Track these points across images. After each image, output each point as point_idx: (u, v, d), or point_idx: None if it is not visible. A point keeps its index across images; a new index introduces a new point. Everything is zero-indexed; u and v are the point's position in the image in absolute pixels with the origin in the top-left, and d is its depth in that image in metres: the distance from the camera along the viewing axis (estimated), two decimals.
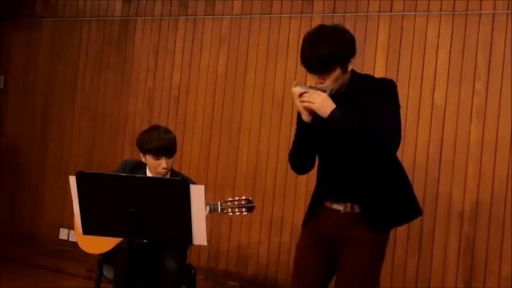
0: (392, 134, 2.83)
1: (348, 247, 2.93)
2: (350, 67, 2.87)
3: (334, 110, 2.78)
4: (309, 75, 2.88)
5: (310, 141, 2.94)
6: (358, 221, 2.92)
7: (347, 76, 2.90)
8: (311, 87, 2.84)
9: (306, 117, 2.87)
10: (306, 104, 2.82)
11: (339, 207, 2.95)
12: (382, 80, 3.02)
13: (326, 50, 2.77)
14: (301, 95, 2.82)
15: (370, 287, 2.98)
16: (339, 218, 2.95)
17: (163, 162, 3.84)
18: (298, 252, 3.10)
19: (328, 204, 2.99)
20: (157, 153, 3.84)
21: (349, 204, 2.94)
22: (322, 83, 2.83)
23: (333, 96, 2.82)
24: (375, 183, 2.91)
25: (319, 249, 3.00)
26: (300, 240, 3.11)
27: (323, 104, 2.79)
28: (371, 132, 2.79)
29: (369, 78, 3.01)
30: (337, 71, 2.82)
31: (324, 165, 3.03)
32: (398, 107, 2.90)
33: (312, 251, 3.02)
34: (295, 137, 3.03)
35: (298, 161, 3.04)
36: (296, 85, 2.86)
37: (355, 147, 2.84)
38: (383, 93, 2.90)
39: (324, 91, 2.81)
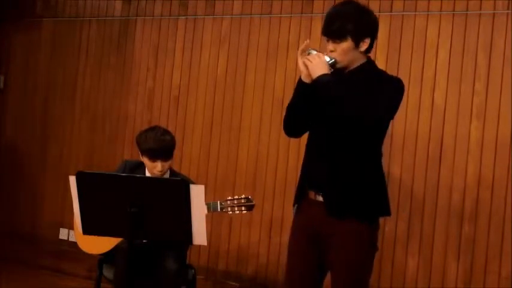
0: (367, 113, 2.79)
1: (334, 246, 2.92)
2: (363, 47, 2.91)
3: (324, 74, 2.81)
4: (323, 45, 2.91)
5: (305, 100, 2.93)
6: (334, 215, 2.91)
7: (358, 56, 2.93)
8: (320, 52, 2.90)
9: (304, 76, 2.91)
10: (305, 61, 2.86)
11: (320, 198, 2.95)
12: (390, 76, 3.04)
13: (345, 13, 2.88)
14: (309, 51, 2.89)
15: (362, 283, 2.97)
16: (321, 210, 2.93)
17: (158, 165, 3.83)
18: (291, 247, 3.08)
19: (311, 195, 2.98)
20: (153, 156, 3.83)
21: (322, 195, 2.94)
22: (332, 51, 2.89)
23: (338, 71, 2.87)
24: (348, 174, 2.89)
25: (310, 244, 2.99)
26: (291, 237, 3.09)
27: (317, 66, 2.83)
28: (346, 105, 2.78)
29: (381, 72, 3.04)
30: (349, 42, 2.87)
31: (308, 148, 3.04)
32: (392, 101, 2.89)
33: (303, 246, 3.01)
34: (291, 98, 3.03)
35: (293, 116, 3.01)
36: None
37: (333, 120, 2.84)
38: (383, 85, 2.92)
39: (329, 59, 2.86)
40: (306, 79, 2.90)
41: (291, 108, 3.02)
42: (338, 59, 2.88)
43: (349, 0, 3.00)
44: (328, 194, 2.92)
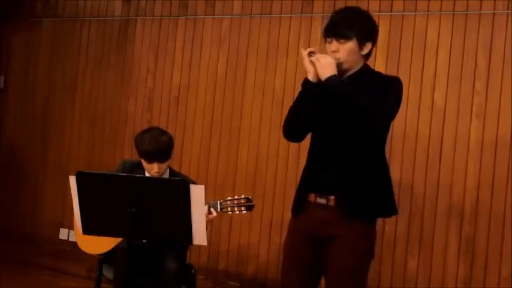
0: (381, 108, 2.82)
1: (334, 246, 2.91)
2: (365, 51, 2.94)
3: (334, 75, 2.82)
4: (324, 46, 2.93)
5: (311, 103, 2.92)
6: (343, 217, 2.89)
7: (359, 59, 2.95)
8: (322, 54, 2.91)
9: (311, 76, 2.89)
10: (312, 58, 2.86)
11: (322, 201, 2.93)
12: (388, 75, 3.12)
13: (351, 15, 2.94)
14: (310, 54, 2.88)
15: (359, 285, 2.97)
16: (323, 213, 2.93)
17: (155, 167, 3.81)
18: (287, 249, 3.07)
19: (311, 197, 2.97)
20: (149, 158, 3.82)
21: (333, 197, 2.91)
22: (335, 52, 2.89)
23: (339, 74, 2.87)
24: (359, 176, 2.90)
25: (307, 246, 2.98)
26: (288, 239, 3.08)
27: (325, 66, 2.83)
28: (361, 99, 2.80)
29: (378, 73, 3.08)
30: (353, 43, 2.90)
31: (313, 152, 3.02)
32: (395, 98, 2.92)
33: (300, 249, 3.00)
34: (296, 98, 3.00)
35: (297, 118, 2.97)
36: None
37: (345, 120, 2.84)
38: (384, 84, 2.95)
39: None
40: (313, 79, 2.89)
41: (295, 109, 2.98)
42: (342, 59, 2.89)
43: (353, 6, 3.06)
44: (344, 195, 2.90)
